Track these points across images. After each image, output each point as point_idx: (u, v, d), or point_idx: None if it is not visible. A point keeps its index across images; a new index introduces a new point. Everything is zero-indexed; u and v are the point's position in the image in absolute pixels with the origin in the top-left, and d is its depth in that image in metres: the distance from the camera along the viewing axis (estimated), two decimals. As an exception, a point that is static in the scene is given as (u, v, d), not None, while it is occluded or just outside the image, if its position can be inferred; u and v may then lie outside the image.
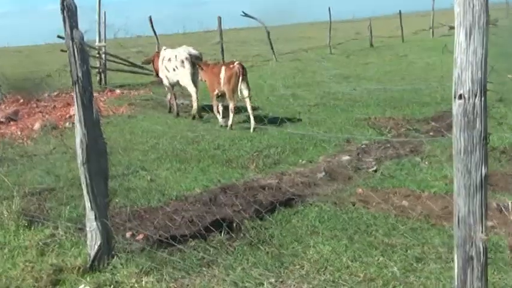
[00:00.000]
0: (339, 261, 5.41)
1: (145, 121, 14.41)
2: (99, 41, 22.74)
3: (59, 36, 19.78)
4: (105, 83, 22.70)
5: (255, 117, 12.49)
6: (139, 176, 9.14)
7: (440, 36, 38.02)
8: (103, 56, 22.84)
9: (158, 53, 16.58)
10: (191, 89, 14.65)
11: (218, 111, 13.66)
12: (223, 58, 27.74)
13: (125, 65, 22.85)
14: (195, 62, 14.58)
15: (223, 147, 10.75)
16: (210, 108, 14.14)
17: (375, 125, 11.66)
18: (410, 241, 5.78)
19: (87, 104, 5.53)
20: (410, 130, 11.12)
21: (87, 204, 5.65)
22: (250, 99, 12.90)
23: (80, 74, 5.47)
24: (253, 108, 13.11)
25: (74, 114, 14.58)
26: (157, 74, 16.34)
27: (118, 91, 20.37)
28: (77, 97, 5.50)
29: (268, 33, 29.93)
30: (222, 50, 27.49)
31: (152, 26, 25.82)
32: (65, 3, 5.43)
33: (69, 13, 5.45)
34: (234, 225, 6.41)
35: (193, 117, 14.53)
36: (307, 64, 27.05)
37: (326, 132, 11.19)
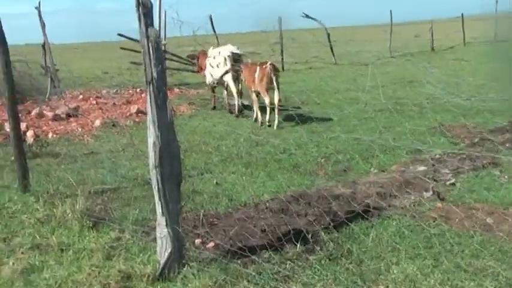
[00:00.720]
0: (426, 283, 5.04)
1: (206, 121, 14.20)
2: (159, 37, 22.64)
3: (119, 34, 19.80)
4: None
5: (316, 119, 12.28)
6: (205, 178, 8.91)
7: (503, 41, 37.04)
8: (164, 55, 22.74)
9: (204, 51, 17.15)
10: (231, 86, 15.35)
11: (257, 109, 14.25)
12: (282, 59, 27.53)
13: (182, 63, 22.67)
14: (237, 61, 15.26)
15: (289, 151, 10.43)
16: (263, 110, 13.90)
17: (447, 134, 11.18)
18: (501, 264, 5.36)
19: (161, 105, 5.27)
20: (484, 140, 10.60)
21: (158, 210, 5.40)
22: (279, 98, 13.71)
23: (154, 74, 5.22)
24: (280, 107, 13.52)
25: (135, 112, 14.68)
26: (198, 71, 17.53)
27: (177, 90, 20.28)
28: (150, 98, 5.25)
29: (329, 35, 29.56)
30: (282, 51, 27.20)
31: (212, 25, 25.75)
32: (140, 0, 5.19)
33: (145, 10, 5.22)
34: (310, 236, 6.07)
35: (231, 112, 15.62)
36: (368, 67, 26.56)
37: (395, 139, 10.75)
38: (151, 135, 5.27)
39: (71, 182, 8.26)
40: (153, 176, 5.36)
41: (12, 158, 10.09)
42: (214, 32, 26.01)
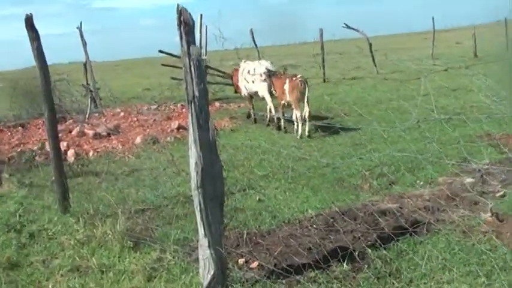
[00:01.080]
0: (480, 303, 4.81)
1: (248, 136, 14.10)
2: (201, 54, 22.67)
3: (160, 51, 19.86)
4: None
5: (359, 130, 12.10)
6: (247, 195, 8.77)
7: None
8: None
9: (237, 68, 17.78)
10: (268, 100, 15.76)
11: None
12: (324, 71, 27.32)
13: (224, 77, 22.60)
14: (270, 76, 15.52)
15: (332, 165, 10.21)
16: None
17: (493, 143, 10.85)
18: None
19: (203, 125, 5.15)
20: (534, 149, 10.26)
21: (201, 231, 5.26)
22: (309, 111, 14.01)
23: (196, 93, 5.11)
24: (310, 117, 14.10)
25: (176, 128, 14.64)
26: (236, 91, 18.11)
27: (217, 104, 20.22)
28: (192, 117, 5.13)
29: (370, 45, 29.20)
30: (323, 62, 27.02)
31: (253, 39, 25.70)
32: (182, 18, 5.10)
33: (186, 28, 5.11)
34: (357, 254, 5.87)
35: (268, 125, 15.98)
36: (410, 76, 26.13)
37: (441, 150, 10.45)
38: (193, 156, 5.15)
39: (111, 201, 8.19)
40: (195, 196, 5.24)
41: (53, 178, 10.14)
42: (256, 45, 25.96)
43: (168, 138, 14.18)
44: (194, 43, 5.23)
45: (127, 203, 8.26)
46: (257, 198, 8.51)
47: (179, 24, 5.13)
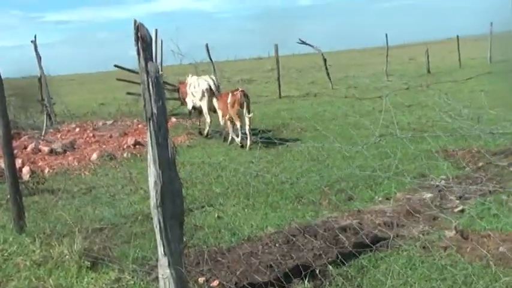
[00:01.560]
0: (442, 318, 4.81)
1: (205, 152, 14.03)
2: (159, 70, 22.56)
3: (116, 66, 19.70)
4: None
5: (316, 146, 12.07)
6: (206, 212, 8.69)
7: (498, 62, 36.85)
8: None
9: (182, 81, 18.64)
10: (206, 116, 16.67)
11: (235, 133, 15.29)
12: (279, 85, 27.45)
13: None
14: (213, 93, 16.42)
15: (290, 180, 10.20)
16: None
17: (450, 158, 10.98)
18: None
19: (162, 142, 5.07)
20: (489, 164, 10.38)
21: (160, 250, 5.17)
22: (250, 121, 14.86)
23: (155, 110, 5.03)
24: (252, 129, 15.10)
25: (132, 144, 14.49)
26: (182, 103, 19.03)
27: (174, 119, 20.10)
28: (151, 135, 5.05)
29: (325, 60, 29.43)
30: (279, 77, 27.15)
31: (209, 54, 25.67)
32: (139, 34, 5.02)
33: (144, 45, 5.03)
34: (318, 271, 5.84)
35: (200, 133, 17.11)
36: (365, 92, 26.36)
37: (399, 165, 10.52)
38: (152, 174, 5.06)
39: (68, 220, 8.03)
40: (155, 215, 5.15)
41: (8, 196, 9.92)
42: (211, 60, 25.94)
43: (125, 154, 14.02)
44: (152, 59, 5.17)
45: (84, 222, 8.12)
46: (216, 215, 8.43)
47: (136, 40, 5.04)
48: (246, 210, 8.65)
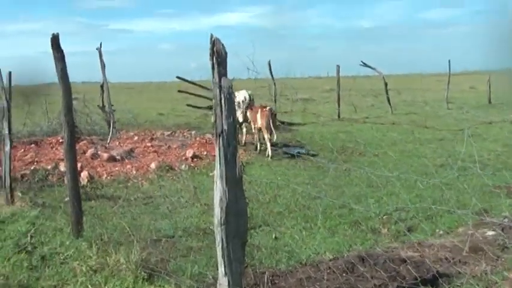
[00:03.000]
0: None
1: (263, 169, 13.98)
2: (231, 86, 22.70)
3: (178, 77, 19.86)
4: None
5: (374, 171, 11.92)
6: (264, 232, 8.63)
7: None
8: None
9: None
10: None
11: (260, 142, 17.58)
12: (338, 106, 27.31)
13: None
14: (248, 105, 18.13)
15: (348, 205, 10.07)
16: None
17: (512, 195, 10.70)
18: None
19: (230, 159, 5.03)
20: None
21: (221, 269, 5.12)
22: (273, 136, 17.08)
23: (225, 126, 5.00)
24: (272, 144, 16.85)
25: (191, 156, 14.54)
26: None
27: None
28: (219, 151, 5.02)
29: (386, 84, 29.12)
30: (339, 99, 27.04)
31: (271, 71, 25.76)
32: (215, 49, 5.01)
33: (219, 59, 5.02)
34: (378, 303, 5.73)
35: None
36: (426, 118, 25.96)
37: (458, 198, 10.31)
38: (218, 191, 5.03)
39: (127, 229, 8.06)
40: (218, 233, 5.10)
41: (66, 199, 10.04)
42: (272, 77, 26.05)
43: (183, 166, 14.09)
44: (226, 75, 5.14)
45: (141, 232, 8.13)
46: (273, 235, 8.37)
47: (211, 54, 5.04)
48: (303, 232, 8.57)
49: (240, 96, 18.14)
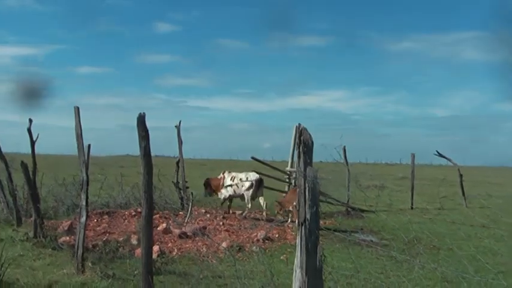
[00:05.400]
0: None
1: (334, 256, 13.76)
2: (291, 165, 22.75)
3: (252, 158, 20.04)
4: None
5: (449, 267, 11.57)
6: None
7: None
8: (292, 181, 22.81)
9: (212, 178, 22.55)
10: (247, 200, 20.97)
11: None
12: (412, 196, 26.94)
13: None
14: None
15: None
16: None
17: None
18: None
19: (311, 249, 5.00)
20: None
21: None
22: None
23: (308, 216, 4.99)
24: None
25: (262, 238, 14.45)
26: (209, 194, 22.45)
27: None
28: (301, 240, 5.00)
29: (461, 176, 28.54)
30: (412, 188, 26.75)
31: (345, 156, 25.76)
32: (302, 138, 5.04)
33: (305, 149, 5.06)
34: None
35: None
36: (500, 213, 25.19)
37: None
38: (298, 280, 4.98)
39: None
40: (297, 323, 5.01)
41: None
42: (346, 162, 26.15)
43: (254, 248, 14.00)
44: (311, 164, 5.15)
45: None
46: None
47: (298, 144, 5.09)
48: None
49: (252, 176, 20.97)
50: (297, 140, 5.11)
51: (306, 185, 5.02)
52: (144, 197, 8.56)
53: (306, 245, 4.98)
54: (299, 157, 5.10)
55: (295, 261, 5.03)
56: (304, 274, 4.95)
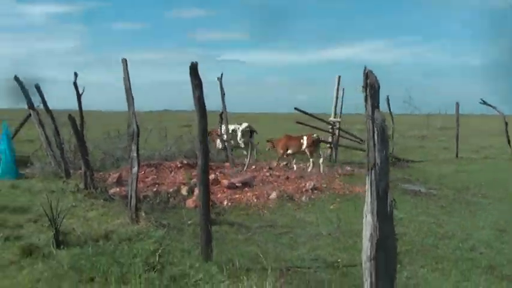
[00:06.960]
0: None
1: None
2: (335, 116, 22.56)
3: (296, 108, 19.89)
4: (335, 159, 22.43)
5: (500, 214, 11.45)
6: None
7: None
8: (336, 131, 22.64)
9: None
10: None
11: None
12: (457, 145, 26.69)
13: (355, 141, 22.23)
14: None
15: (478, 249, 9.67)
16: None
17: None
18: None
19: (382, 194, 4.93)
20: None
21: (368, 307, 4.98)
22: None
23: (378, 160, 4.90)
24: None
25: (311, 188, 14.44)
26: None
27: (348, 168, 19.88)
28: (371, 184, 4.93)
29: (506, 124, 27.98)
30: (457, 137, 26.45)
31: (389, 106, 25.52)
32: (368, 81, 4.94)
33: (372, 91, 4.95)
34: None
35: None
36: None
37: None
38: (369, 226, 4.93)
39: (254, 256, 8.02)
40: (366, 268, 4.99)
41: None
42: (390, 112, 26.01)
43: (303, 198, 13.99)
44: (378, 107, 5.05)
45: (268, 260, 8.04)
46: (405, 274, 8.10)
47: (365, 87, 4.98)
48: (435, 273, 8.28)
49: (244, 125, 22.16)
50: (363, 83, 5.00)
51: (375, 128, 4.93)
52: (200, 147, 8.53)
53: (376, 190, 4.91)
54: (366, 100, 4.99)
55: (365, 206, 4.98)
56: (375, 220, 4.90)
